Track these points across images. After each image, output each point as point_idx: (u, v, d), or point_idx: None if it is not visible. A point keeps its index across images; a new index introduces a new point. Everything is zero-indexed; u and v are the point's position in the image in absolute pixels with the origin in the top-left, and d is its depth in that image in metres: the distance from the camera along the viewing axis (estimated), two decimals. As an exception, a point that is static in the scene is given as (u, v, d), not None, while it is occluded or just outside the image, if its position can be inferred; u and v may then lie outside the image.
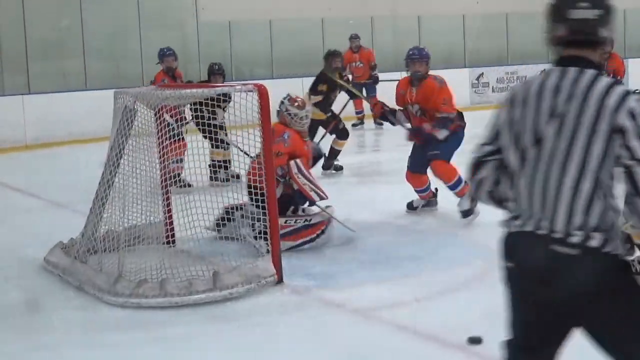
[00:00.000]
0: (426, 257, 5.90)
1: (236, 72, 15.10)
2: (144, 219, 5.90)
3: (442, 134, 6.95)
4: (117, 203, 5.87)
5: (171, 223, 6.19)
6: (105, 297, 5.23)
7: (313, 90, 9.54)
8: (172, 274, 5.36)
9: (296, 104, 6.55)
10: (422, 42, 14.35)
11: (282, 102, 6.57)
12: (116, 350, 4.51)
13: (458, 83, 14.27)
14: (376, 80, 13.35)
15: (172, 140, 7.21)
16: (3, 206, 8.80)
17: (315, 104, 9.24)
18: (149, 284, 5.23)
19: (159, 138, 5.99)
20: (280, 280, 5.43)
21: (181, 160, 8.07)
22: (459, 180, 6.89)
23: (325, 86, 9.49)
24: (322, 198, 6.27)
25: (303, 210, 6.43)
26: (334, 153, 9.68)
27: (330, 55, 9.76)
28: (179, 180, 8.09)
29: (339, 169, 9.74)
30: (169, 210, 6.22)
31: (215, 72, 9.20)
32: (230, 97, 6.79)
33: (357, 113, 13.91)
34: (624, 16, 18.62)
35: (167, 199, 6.20)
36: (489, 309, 4.74)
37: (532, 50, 18.14)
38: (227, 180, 8.14)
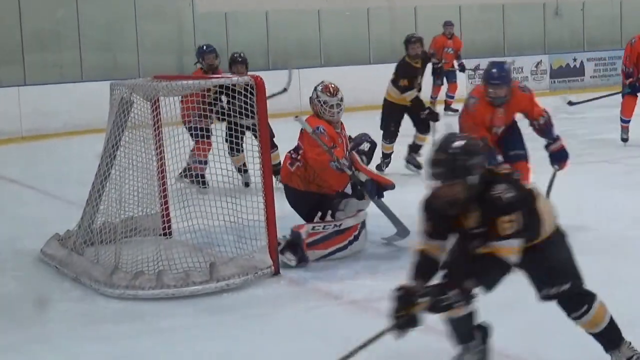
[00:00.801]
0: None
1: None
2: (140, 211, 5.90)
3: (554, 136, 6.25)
4: (113, 195, 5.87)
5: (168, 214, 6.19)
6: (102, 289, 5.23)
7: (398, 86, 8.80)
8: (168, 266, 5.35)
9: (328, 91, 5.97)
10: (419, 33, 14.30)
11: (314, 89, 6.02)
12: (113, 341, 4.50)
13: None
14: (463, 68, 13.43)
15: (197, 140, 7.03)
16: (-1, 198, 8.80)
17: (400, 87, 8.76)
18: (145, 276, 5.22)
19: (155, 130, 5.98)
20: (277, 272, 5.43)
21: (205, 162, 7.47)
22: None
23: (406, 81, 8.77)
24: (393, 186, 5.95)
25: (332, 216, 5.87)
26: (415, 147, 8.97)
27: (408, 42, 9.03)
28: (201, 181, 7.19)
29: (418, 166, 8.81)
30: (166, 202, 6.21)
31: (237, 62, 8.47)
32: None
33: (431, 98, 13.86)
34: (620, 6, 18.62)
35: (164, 190, 6.19)
36: (487, 300, 4.75)
37: (529, 42, 18.16)
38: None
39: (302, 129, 5.95)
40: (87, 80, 13.84)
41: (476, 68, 14.69)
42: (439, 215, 3.37)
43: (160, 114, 6.08)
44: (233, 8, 15.39)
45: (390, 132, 8.90)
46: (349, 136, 6.15)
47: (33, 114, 12.97)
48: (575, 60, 17.72)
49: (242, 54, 8.67)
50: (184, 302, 5.04)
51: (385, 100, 8.99)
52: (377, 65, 15.69)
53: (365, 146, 6.03)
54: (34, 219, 7.44)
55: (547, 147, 6.25)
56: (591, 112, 12.29)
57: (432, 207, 3.39)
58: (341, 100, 5.97)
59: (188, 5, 15.11)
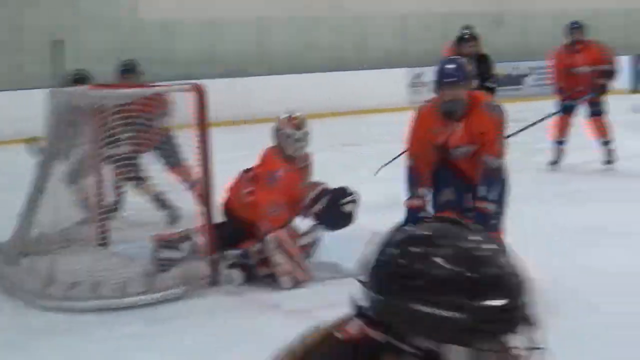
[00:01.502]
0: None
1: (177, 73, 14.98)
2: (76, 221, 5.84)
3: (492, 196, 4.76)
4: (49, 205, 5.79)
5: (105, 225, 6.12)
6: (37, 301, 5.15)
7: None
8: (106, 276, 5.30)
9: (293, 123, 5.42)
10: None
11: (278, 120, 5.48)
12: (48, 353, 4.46)
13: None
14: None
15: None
16: None
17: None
18: (82, 287, 5.17)
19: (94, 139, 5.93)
20: (215, 282, 5.40)
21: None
22: None
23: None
24: (294, 284, 5.29)
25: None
26: None
27: (460, 40, 8.47)
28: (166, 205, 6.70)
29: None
30: (102, 212, 6.15)
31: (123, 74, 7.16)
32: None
33: None
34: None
35: (101, 200, 6.13)
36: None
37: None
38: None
39: (266, 151, 5.53)
40: (26, 87, 13.65)
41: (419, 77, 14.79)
42: None
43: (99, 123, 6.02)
44: (176, 16, 15.32)
45: None
46: (324, 189, 5.56)
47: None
48: (515, 69, 17.92)
49: (128, 64, 7.36)
50: (122, 313, 4.99)
51: None
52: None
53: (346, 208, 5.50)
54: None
55: (476, 200, 4.80)
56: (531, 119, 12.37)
57: None
58: (306, 134, 5.46)
59: (130, 13, 14.98)
